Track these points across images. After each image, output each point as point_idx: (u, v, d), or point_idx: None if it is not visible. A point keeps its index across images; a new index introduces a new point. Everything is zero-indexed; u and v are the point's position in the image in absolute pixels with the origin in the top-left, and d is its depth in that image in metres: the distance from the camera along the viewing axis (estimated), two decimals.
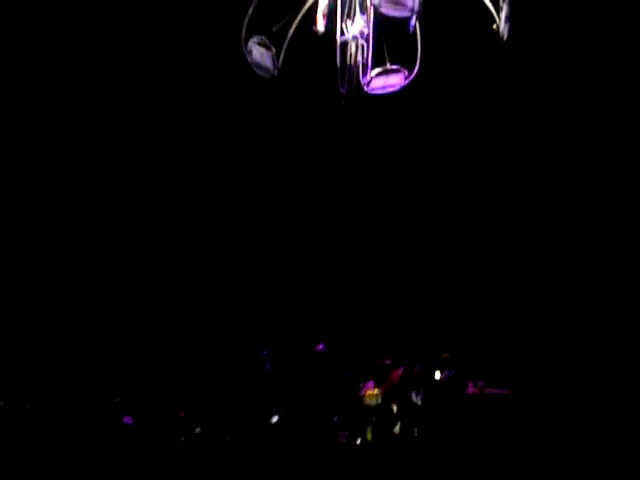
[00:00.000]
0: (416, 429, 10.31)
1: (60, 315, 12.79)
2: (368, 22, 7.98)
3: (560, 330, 12.30)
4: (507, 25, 8.00)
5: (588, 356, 11.80)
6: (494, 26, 8.07)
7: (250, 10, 8.42)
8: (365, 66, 8.18)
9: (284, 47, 8.50)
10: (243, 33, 8.44)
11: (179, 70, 12.41)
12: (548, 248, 12.68)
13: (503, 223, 12.61)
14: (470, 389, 10.97)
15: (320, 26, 8.06)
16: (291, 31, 8.49)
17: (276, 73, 8.53)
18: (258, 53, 8.45)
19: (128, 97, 12.58)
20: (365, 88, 8.22)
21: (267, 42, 8.49)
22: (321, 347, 11.01)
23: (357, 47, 8.02)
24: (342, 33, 7.98)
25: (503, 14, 7.98)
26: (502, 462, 10.11)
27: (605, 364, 11.50)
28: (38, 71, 12.65)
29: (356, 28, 7.98)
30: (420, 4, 7.69)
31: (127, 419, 10.26)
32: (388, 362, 10.81)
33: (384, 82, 8.25)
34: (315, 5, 8.30)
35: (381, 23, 8.01)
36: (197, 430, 10.39)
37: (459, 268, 13.00)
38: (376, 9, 7.74)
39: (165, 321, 12.90)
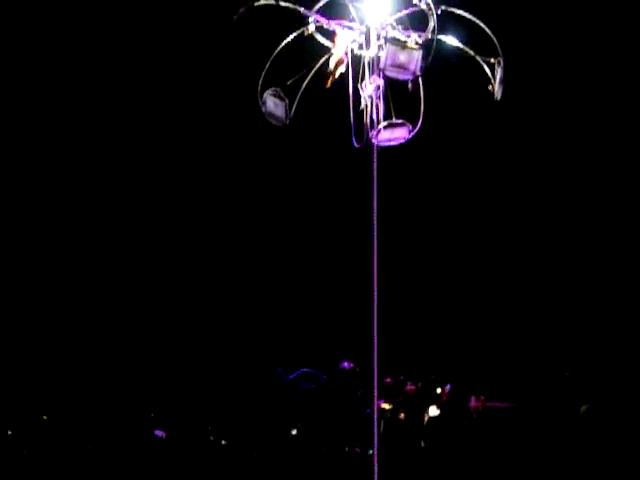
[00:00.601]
0: (422, 441, 10.91)
1: (89, 329, 13.26)
2: (378, 83, 8.66)
3: (561, 344, 12.76)
4: (501, 87, 8.68)
5: (588, 369, 12.18)
6: (489, 87, 8.76)
7: (267, 65, 9.09)
8: (374, 121, 8.86)
9: (297, 98, 9.18)
10: (259, 85, 9.11)
11: (195, 114, 12.99)
12: (549, 261, 13.17)
13: (499, 236, 13.11)
14: (472, 402, 11.56)
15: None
16: (304, 84, 9.19)
17: (288, 122, 9.20)
18: (272, 103, 9.13)
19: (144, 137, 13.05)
20: (373, 140, 8.90)
21: (281, 93, 9.17)
22: (346, 365, 11.51)
23: (371, 105, 8.71)
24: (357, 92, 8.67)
25: (497, 77, 8.66)
26: (504, 474, 10.66)
27: (606, 377, 11.86)
28: (35, 73, 13.02)
29: (370, 88, 8.66)
30: (422, 68, 8.39)
31: (159, 432, 10.72)
32: (401, 378, 11.37)
33: (390, 135, 8.93)
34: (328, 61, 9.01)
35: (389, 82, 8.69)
36: (223, 442, 11.04)
37: (459, 284, 13.51)
38: (382, 71, 8.46)
39: (188, 339, 13.40)
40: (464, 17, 8.73)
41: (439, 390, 11.25)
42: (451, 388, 11.14)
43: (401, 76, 8.44)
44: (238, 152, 13.13)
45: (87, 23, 12.68)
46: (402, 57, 8.36)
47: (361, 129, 8.85)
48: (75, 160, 13.33)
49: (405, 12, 8.82)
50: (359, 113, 8.89)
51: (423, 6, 8.73)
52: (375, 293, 8.84)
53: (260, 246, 13.45)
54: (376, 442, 8.98)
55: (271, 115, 9.15)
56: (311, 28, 8.89)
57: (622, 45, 12.08)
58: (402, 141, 8.96)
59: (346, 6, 8.85)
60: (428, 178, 12.86)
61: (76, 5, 12.63)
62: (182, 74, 12.79)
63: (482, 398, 11.46)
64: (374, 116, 8.86)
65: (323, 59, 9.07)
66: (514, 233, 13.13)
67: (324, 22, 8.87)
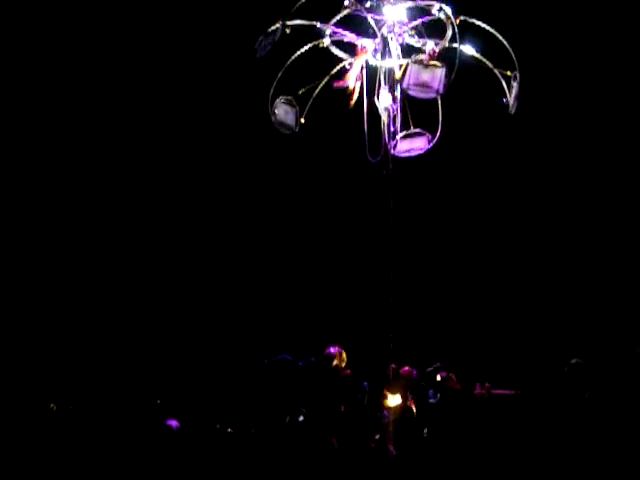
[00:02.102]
0: (426, 429, 11.08)
1: (92, 319, 13.15)
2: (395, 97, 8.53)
3: (565, 331, 12.98)
4: (516, 102, 8.62)
5: (592, 357, 12.40)
6: (504, 100, 8.69)
7: (279, 74, 8.87)
8: (392, 132, 8.76)
9: (308, 105, 9.00)
10: (270, 94, 8.91)
11: (208, 123, 12.72)
12: (548, 249, 13.33)
13: (500, 224, 13.24)
14: (477, 390, 11.75)
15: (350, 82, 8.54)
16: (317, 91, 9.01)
17: (297, 129, 9.03)
18: (282, 111, 8.94)
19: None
20: (392, 151, 8.80)
21: (293, 101, 8.98)
22: (332, 350, 11.52)
23: (387, 116, 8.59)
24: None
25: (513, 91, 8.59)
26: (508, 460, 10.90)
27: (608, 365, 12.08)
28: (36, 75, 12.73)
29: (386, 101, 8.53)
30: (445, 86, 8.27)
31: (173, 422, 10.54)
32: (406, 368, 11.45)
33: (409, 145, 8.84)
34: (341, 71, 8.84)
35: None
36: (229, 430, 11.03)
37: (463, 271, 13.59)
38: (405, 91, 8.33)
39: (192, 325, 13.37)
40: (480, 26, 8.56)
41: (439, 377, 11.36)
42: (455, 375, 11.28)
43: (424, 95, 8.31)
44: (250, 162, 12.91)
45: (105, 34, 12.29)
46: (425, 76, 8.22)
47: (376, 141, 8.75)
48: (77, 161, 13.00)
49: (422, 21, 8.62)
50: (374, 125, 8.77)
51: (441, 16, 8.54)
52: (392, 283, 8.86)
53: (271, 253, 13.38)
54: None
55: (281, 123, 8.96)
56: (326, 41, 8.66)
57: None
58: (421, 152, 8.87)
59: (363, 17, 8.59)
60: (442, 188, 12.86)
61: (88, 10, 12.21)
62: (195, 83, 12.43)
63: (487, 385, 11.61)
64: (391, 127, 8.75)
65: (336, 69, 8.90)
66: (523, 233, 13.23)
67: (340, 34, 8.65)
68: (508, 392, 11.62)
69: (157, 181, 13.22)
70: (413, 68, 8.20)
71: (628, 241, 12.90)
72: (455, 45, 8.41)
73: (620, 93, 12.31)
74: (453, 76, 8.21)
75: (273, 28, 8.46)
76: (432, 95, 8.31)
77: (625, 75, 12.27)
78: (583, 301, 13.03)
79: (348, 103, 8.51)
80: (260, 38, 8.45)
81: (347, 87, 8.54)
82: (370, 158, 8.62)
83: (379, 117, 8.72)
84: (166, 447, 10.49)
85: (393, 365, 11.05)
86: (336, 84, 8.56)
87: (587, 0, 11.95)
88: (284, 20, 8.35)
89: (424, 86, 8.21)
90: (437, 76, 8.20)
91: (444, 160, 10.59)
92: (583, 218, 13.04)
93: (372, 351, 10.68)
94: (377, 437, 10.66)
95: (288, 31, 8.33)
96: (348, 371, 11.24)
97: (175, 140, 13.01)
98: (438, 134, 8.73)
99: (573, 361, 11.02)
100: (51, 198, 13.17)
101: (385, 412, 11.04)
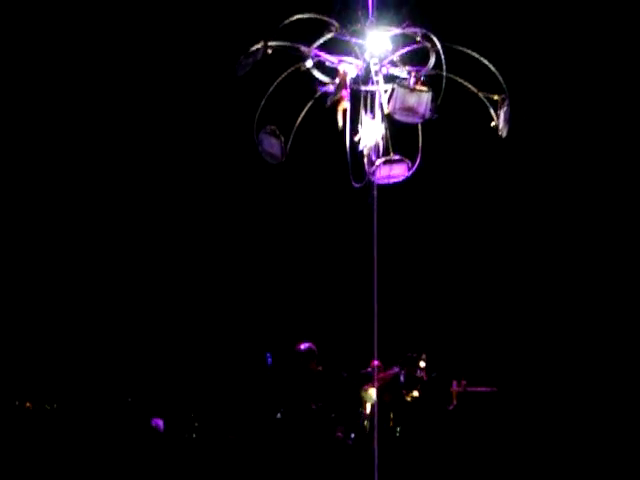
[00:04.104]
0: (398, 428, 10.91)
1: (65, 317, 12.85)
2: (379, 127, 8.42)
3: (543, 329, 12.97)
4: (506, 125, 8.54)
5: (570, 355, 12.34)
6: (492, 124, 8.62)
7: (262, 102, 8.73)
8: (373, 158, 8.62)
9: (292, 135, 8.87)
10: (255, 124, 8.76)
11: (190, 149, 12.61)
12: (529, 247, 13.36)
13: (484, 224, 13.23)
14: (454, 387, 11.67)
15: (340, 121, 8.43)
16: (299, 120, 8.88)
17: (284, 159, 8.88)
18: (267, 142, 8.80)
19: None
20: (371, 177, 8.65)
21: (276, 131, 8.83)
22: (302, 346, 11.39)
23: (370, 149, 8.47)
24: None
25: (502, 115, 8.52)
26: (485, 458, 10.78)
27: (587, 362, 12.04)
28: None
29: (371, 136, 8.40)
30: (431, 111, 8.18)
31: (159, 421, 10.16)
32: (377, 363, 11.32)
33: (389, 172, 8.69)
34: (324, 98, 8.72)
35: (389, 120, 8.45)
36: (204, 428, 10.71)
37: (440, 268, 13.57)
38: (391, 117, 8.22)
39: (167, 322, 13.14)
40: (464, 51, 8.51)
41: (423, 364, 11.25)
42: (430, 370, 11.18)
43: (410, 119, 8.21)
44: (234, 189, 12.83)
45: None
46: (411, 100, 8.12)
47: (360, 167, 8.62)
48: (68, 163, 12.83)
49: (406, 50, 8.55)
50: (357, 151, 8.64)
51: (425, 43, 8.47)
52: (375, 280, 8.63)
53: (255, 259, 13.26)
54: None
55: (267, 154, 8.82)
56: (308, 64, 8.53)
57: (629, 81, 12.18)
58: (402, 179, 8.72)
59: (346, 42, 8.49)
60: (427, 215, 12.86)
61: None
62: (175, 113, 12.34)
63: (464, 382, 11.56)
64: (372, 153, 8.63)
65: (318, 94, 8.79)
66: (504, 249, 13.27)
67: (323, 58, 8.54)
68: (485, 389, 11.55)
69: (139, 206, 13.04)
70: (399, 92, 8.10)
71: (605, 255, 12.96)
72: (443, 73, 8.34)
73: (609, 111, 12.37)
74: (439, 101, 8.13)
75: (254, 48, 8.32)
76: (418, 120, 8.21)
77: (614, 91, 12.33)
78: (559, 300, 13.04)
79: (336, 123, 8.36)
80: (241, 58, 8.30)
81: (341, 98, 8.39)
82: (354, 184, 8.47)
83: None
84: (153, 447, 10.16)
85: (375, 362, 10.97)
86: (329, 101, 8.43)
87: (573, 22, 12.01)
88: (266, 40, 8.20)
89: (410, 110, 8.12)
90: (423, 101, 8.12)
91: (428, 185, 10.54)
92: (563, 241, 13.03)
93: (354, 348, 10.57)
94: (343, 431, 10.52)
95: (270, 51, 8.19)
96: (319, 367, 11.15)
97: (157, 170, 12.84)
98: (418, 162, 8.58)
99: None
100: (39, 200, 12.97)
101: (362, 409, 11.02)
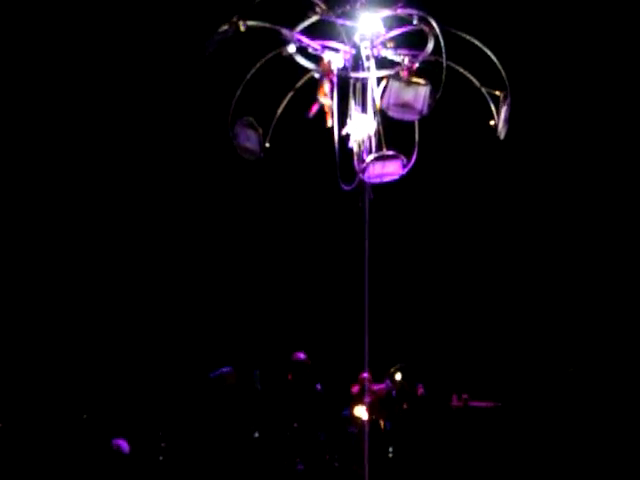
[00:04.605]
0: (391, 448, 10.36)
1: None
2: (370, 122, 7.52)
3: (544, 344, 12.49)
4: (506, 125, 7.67)
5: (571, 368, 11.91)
6: (492, 123, 7.73)
7: (238, 92, 7.79)
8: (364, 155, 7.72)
9: (271, 128, 7.95)
10: (230, 115, 7.82)
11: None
12: (526, 257, 12.85)
13: (487, 229, 12.68)
14: (454, 402, 11.12)
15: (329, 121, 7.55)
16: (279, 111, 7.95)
17: (262, 155, 7.97)
18: (244, 135, 7.86)
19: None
20: (361, 176, 7.73)
21: (254, 123, 7.91)
22: (302, 355, 10.79)
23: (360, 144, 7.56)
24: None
25: (502, 114, 7.64)
26: (486, 473, 10.31)
27: (587, 376, 11.63)
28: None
29: (361, 130, 7.49)
30: (429, 107, 7.26)
31: (120, 442, 9.42)
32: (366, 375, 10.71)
33: (381, 170, 7.76)
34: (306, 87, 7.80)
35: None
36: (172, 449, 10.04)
37: (442, 282, 13.06)
38: (384, 112, 7.29)
39: (132, 331, 12.51)
40: (465, 41, 7.58)
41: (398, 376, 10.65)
42: (422, 387, 10.62)
43: (405, 116, 7.28)
44: (210, 186, 11.99)
45: None
46: (407, 95, 7.19)
47: (350, 166, 7.70)
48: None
49: (401, 31, 7.59)
50: (346, 147, 7.72)
51: (422, 26, 7.51)
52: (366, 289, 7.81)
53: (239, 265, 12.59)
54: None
55: (243, 148, 7.88)
56: (291, 49, 7.54)
57: (631, 83, 11.48)
58: (395, 178, 7.78)
59: (334, 25, 7.51)
60: (425, 219, 12.11)
61: None
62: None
63: (464, 397, 10.97)
64: (363, 149, 7.71)
65: (301, 82, 7.84)
66: (500, 253, 12.76)
67: (307, 43, 7.56)
68: (487, 404, 11.00)
69: (113, 213, 12.28)
70: (393, 86, 7.16)
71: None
72: (438, 59, 7.40)
73: (608, 111, 11.68)
74: (439, 95, 7.19)
75: (227, 25, 7.33)
76: (414, 117, 7.30)
77: (613, 91, 11.64)
78: (560, 314, 12.55)
79: (325, 122, 7.45)
80: (213, 35, 7.31)
81: (323, 106, 7.47)
82: (343, 186, 7.57)
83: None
84: (114, 471, 9.42)
85: (365, 375, 10.36)
86: (311, 112, 7.50)
87: (578, 21, 11.21)
88: (240, 16, 7.21)
89: (406, 106, 7.20)
90: (420, 95, 7.20)
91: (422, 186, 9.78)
92: (565, 250, 12.44)
93: (345, 362, 9.99)
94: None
95: (243, 29, 7.20)
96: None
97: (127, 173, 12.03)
98: (414, 158, 7.64)
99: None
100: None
101: (352, 427, 10.44)
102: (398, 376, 10.89)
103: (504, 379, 11.86)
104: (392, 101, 7.18)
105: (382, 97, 7.22)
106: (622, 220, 12.29)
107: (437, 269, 12.88)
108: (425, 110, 7.22)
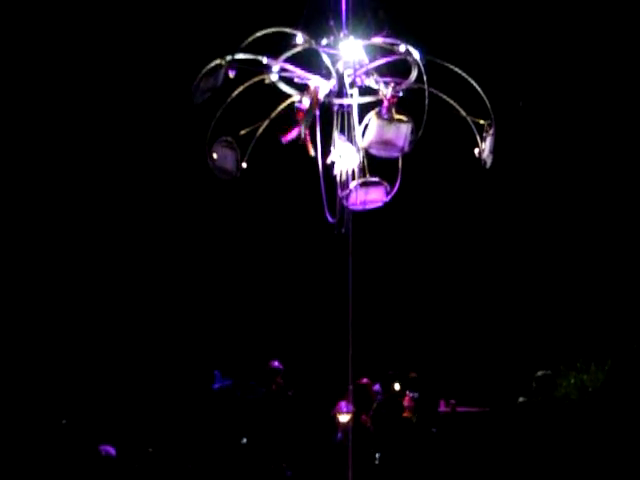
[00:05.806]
0: (378, 454, 10.48)
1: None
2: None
3: (531, 349, 12.56)
4: (491, 155, 7.60)
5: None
6: (476, 151, 7.66)
7: (218, 113, 7.68)
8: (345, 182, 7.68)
9: (250, 148, 7.86)
10: (208, 137, 7.72)
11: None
12: (516, 264, 12.90)
13: (471, 246, 12.71)
14: (442, 407, 11.22)
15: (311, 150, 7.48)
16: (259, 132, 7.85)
17: (238, 174, 7.89)
18: (221, 155, 7.77)
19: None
20: (344, 202, 7.71)
21: (233, 143, 7.82)
22: (277, 364, 10.99)
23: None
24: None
25: (487, 144, 7.56)
26: (475, 479, 10.47)
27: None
28: None
29: (345, 160, 7.43)
30: (411, 143, 7.20)
31: (107, 448, 9.54)
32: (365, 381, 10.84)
33: (365, 197, 7.73)
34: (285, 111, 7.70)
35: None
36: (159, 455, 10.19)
37: (428, 288, 13.11)
38: (366, 150, 7.23)
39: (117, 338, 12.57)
40: (449, 73, 7.46)
41: (397, 386, 10.75)
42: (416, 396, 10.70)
43: (387, 154, 7.23)
44: (190, 207, 11.87)
45: None
46: (389, 133, 7.12)
47: (333, 193, 7.66)
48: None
49: (384, 61, 7.47)
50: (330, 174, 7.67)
51: (407, 56, 7.39)
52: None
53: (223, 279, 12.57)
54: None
55: (219, 169, 7.80)
56: (273, 77, 7.42)
57: (619, 104, 11.27)
58: (379, 204, 7.75)
59: (317, 54, 7.38)
60: (408, 241, 12.06)
61: None
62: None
63: (452, 402, 11.08)
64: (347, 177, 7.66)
65: (282, 107, 7.73)
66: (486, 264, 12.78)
67: (290, 71, 7.44)
68: (474, 409, 11.12)
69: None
70: (375, 124, 7.08)
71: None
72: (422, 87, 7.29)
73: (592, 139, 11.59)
74: (421, 133, 7.12)
75: (214, 65, 7.19)
76: (396, 154, 7.23)
77: (602, 123, 11.52)
78: (549, 317, 12.65)
79: (307, 152, 7.37)
80: (198, 78, 7.17)
81: (298, 137, 7.37)
82: (329, 217, 7.55)
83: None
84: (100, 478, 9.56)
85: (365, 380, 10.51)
86: (285, 139, 7.40)
87: (562, 50, 11.00)
88: (228, 59, 7.06)
89: (387, 144, 7.13)
90: (402, 132, 7.12)
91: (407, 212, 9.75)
92: (549, 261, 12.44)
93: (331, 366, 10.10)
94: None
95: (232, 76, 7.09)
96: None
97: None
98: (397, 185, 7.60)
99: (540, 373, 10.57)
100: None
101: (339, 433, 10.55)
102: (397, 386, 10.95)
103: (491, 384, 11.95)
104: (374, 139, 7.11)
105: (363, 135, 7.14)
106: (604, 244, 12.33)
107: (424, 276, 12.92)
108: (407, 147, 7.16)
